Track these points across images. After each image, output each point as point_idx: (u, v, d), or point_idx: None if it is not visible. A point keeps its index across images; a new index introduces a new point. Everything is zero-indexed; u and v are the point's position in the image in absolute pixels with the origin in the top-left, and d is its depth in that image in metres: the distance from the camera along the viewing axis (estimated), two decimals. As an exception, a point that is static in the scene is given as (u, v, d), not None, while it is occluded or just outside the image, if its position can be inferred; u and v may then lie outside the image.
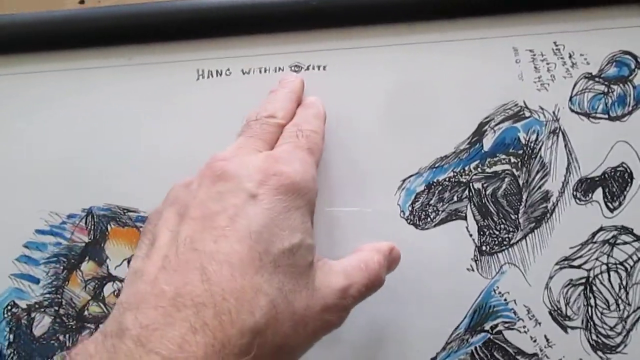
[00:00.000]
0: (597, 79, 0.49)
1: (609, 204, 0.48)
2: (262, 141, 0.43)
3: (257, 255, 0.34)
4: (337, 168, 0.49)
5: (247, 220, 0.35)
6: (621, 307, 0.48)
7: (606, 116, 0.49)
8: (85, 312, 0.49)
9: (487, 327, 0.48)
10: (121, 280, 0.49)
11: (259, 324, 0.33)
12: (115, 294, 0.49)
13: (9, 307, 0.49)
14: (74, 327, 0.49)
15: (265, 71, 0.50)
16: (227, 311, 0.32)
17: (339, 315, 0.39)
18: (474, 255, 0.48)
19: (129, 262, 0.49)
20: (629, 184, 0.49)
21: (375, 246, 0.44)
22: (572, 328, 0.48)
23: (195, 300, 0.32)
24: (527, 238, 0.48)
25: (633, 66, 0.49)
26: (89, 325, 0.49)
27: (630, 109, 0.49)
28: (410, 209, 0.49)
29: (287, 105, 0.46)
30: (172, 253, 0.34)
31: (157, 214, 0.40)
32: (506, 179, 0.49)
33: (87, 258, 0.49)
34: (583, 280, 0.48)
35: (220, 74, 0.50)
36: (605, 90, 0.49)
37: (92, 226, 0.50)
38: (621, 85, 0.49)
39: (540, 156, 0.49)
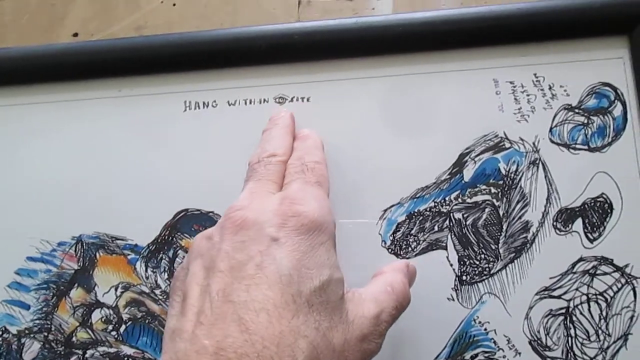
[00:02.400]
0: (576, 110, 0.50)
1: (589, 235, 0.49)
2: (271, 182, 0.44)
3: (290, 298, 0.34)
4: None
5: (275, 265, 0.35)
6: (601, 337, 0.48)
7: (586, 147, 0.50)
8: (74, 338, 0.50)
9: (467, 356, 0.48)
10: (109, 307, 0.50)
11: None
12: (103, 320, 0.50)
13: (0, 333, 0.51)
14: (62, 352, 0.50)
15: (250, 102, 0.52)
16: (270, 358, 0.32)
17: (376, 342, 0.39)
18: (455, 285, 0.49)
19: (116, 289, 0.50)
20: (609, 215, 0.49)
21: (394, 266, 0.45)
22: (552, 358, 0.48)
23: (238, 352, 0.32)
24: (507, 268, 0.49)
25: (612, 98, 0.50)
26: (76, 351, 0.50)
27: (610, 140, 0.50)
28: (391, 238, 0.49)
29: (285, 141, 0.47)
30: (206, 307, 0.35)
31: (183, 271, 0.40)
32: (486, 209, 0.49)
33: (76, 285, 0.51)
34: (563, 311, 0.48)
35: (207, 106, 0.52)
36: (585, 121, 0.50)
37: (82, 254, 0.51)
38: (601, 116, 0.50)
39: (521, 187, 0.49)
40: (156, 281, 0.50)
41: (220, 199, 0.50)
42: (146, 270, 0.50)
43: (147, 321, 0.50)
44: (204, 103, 0.52)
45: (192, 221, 0.51)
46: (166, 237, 0.50)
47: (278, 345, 0.33)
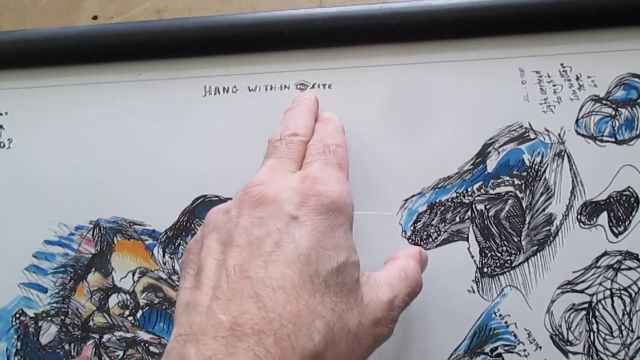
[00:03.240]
0: (604, 102, 0.49)
1: (613, 229, 0.48)
2: (291, 161, 0.43)
3: (308, 277, 0.34)
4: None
5: (294, 244, 0.35)
6: (624, 333, 0.47)
7: (613, 139, 0.49)
8: (90, 322, 0.50)
9: (487, 349, 0.48)
10: (126, 292, 0.50)
11: (319, 348, 0.33)
12: (120, 305, 0.50)
13: (18, 315, 0.51)
14: (79, 336, 0.50)
15: (271, 89, 0.51)
16: (287, 337, 0.32)
17: (388, 327, 0.39)
18: (475, 277, 0.48)
19: (133, 274, 0.50)
20: (635, 209, 0.48)
21: (407, 252, 0.44)
22: (574, 353, 0.47)
23: (254, 329, 0.32)
24: (530, 261, 0.48)
25: (641, 89, 0.49)
26: (93, 335, 0.50)
27: (638, 132, 0.49)
28: (412, 228, 0.49)
29: (308, 121, 0.47)
30: (223, 282, 0.34)
31: (196, 243, 0.40)
32: (509, 201, 0.49)
33: (93, 269, 0.51)
34: (586, 305, 0.48)
35: (227, 91, 0.51)
36: (613, 113, 0.49)
37: (99, 238, 0.51)
38: (629, 108, 0.49)
39: (545, 179, 0.49)
40: (173, 267, 0.50)
41: (239, 186, 0.49)
42: (164, 256, 0.50)
43: (164, 307, 0.50)
44: (224, 88, 0.51)
45: (210, 207, 0.50)
46: (184, 223, 0.50)
47: (295, 324, 0.32)
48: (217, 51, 0.51)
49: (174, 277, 0.50)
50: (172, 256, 0.50)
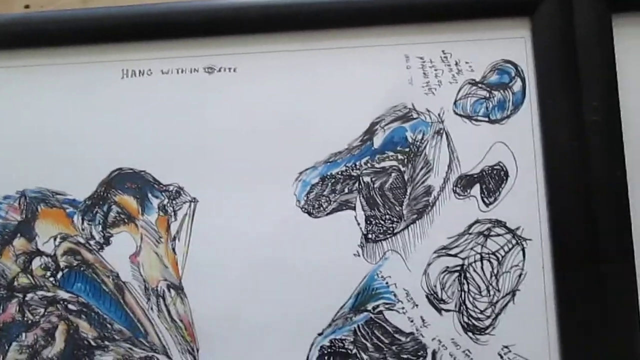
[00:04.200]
0: (480, 85, 0.54)
1: (485, 199, 0.53)
2: None
3: None
4: (241, 160, 0.54)
5: None
6: (491, 292, 0.52)
7: (487, 119, 0.54)
8: (15, 283, 0.55)
9: (369, 307, 0.53)
10: (48, 255, 0.55)
11: None
12: (42, 267, 0.55)
13: (-50, 276, 0.56)
14: (4, 295, 0.55)
15: (182, 72, 0.56)
16: None
17: None
18: (361, 242, 0.53)
19: (55, 239, 0.55)
20: (504, 181, 0.53)
21: None
22: (447, 311, 0.53)
23: None
24: (410, 228, 0.53)
25: (513, 74, 0.54)
26: (17, 294, 0.55)
27: (509, 113, 0.54)
28: (305, 198, 0.54)
29: None
30: None
31: None
32: (393, 174, 0.54)
33: (18, 235, 0.55)
34: (458, 268, 0.53)
35: (143, 74, 0.56)
36: (487, 95, 0.54)
37: (25, 206, 0.56)
38: (501, 91, 0.54)
39: (425, 154, 0.54)
40: (91, 233, 0.55)
41: (151, 159, 0.55)
42: (82, 223, 0.55)
43: (82, 269, 0.55)
44: (140, 71, 0.56)
45: (125, 179, 0.55)
46: (101, 193, 0.55)
47: None
48: (134, 37, 0.56)
49: (91, 242, 0.55)
50: (90, 223, 0.55)
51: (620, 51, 0.53)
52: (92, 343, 0.54)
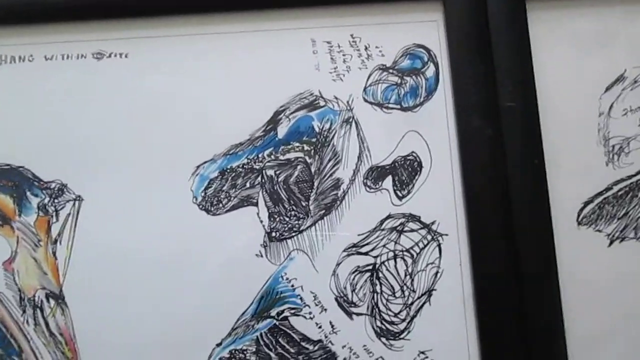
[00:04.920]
0: (391, 71, 0.51)
1: (398, 192, 0.49)
2: None
3: None
4: (132, 154, 0.49)
5: None
6: (406, 293, 0.48)
7: (398, 106, 0.50)
8: None
9: (273, 313, 0.48)
10: None
11: None
12: None
13: None
14: None
15: (67, 57, 0.51)
16: None
17: None
18: (264, 242, 0.49)
19: None
20: (418, 173, 0.49)
21: None
22: (358, 314, 0.48)
23: None
24: (317, 225, 0.49)
25: (426, 59, 0.51)
26: None
27: (422, 100, 0.50)
28: (202, 194, 0.49)
29: None
30: None
31: None
32: (299, 167, 0.49)
33: None
34: (370, 267, 0.48)
35: (23, 60, 0.51)
36: (399, 81, 0.50)
37: None
38: (414, 77, 0.51)
39: (333, 144, 0.50)
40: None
41: (31, 154, 0.49)
42: (-51, 226, 0.49)
43: (-53, 278, 0.48)
44: (20, 57, 0.51)
45: (1, 176, 0.49)
46: (-28, 192, 0.49)
47: None
48: (10, 21, 0.51)
49: (-41, 248, 0.48)
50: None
51: (535, 36, 0.51)
52: (-43, 364, 0.47)
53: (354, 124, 0.50)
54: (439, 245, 0.49)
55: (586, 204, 0.50)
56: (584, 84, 0.51)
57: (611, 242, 0.49)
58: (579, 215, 0.49)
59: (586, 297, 0.48)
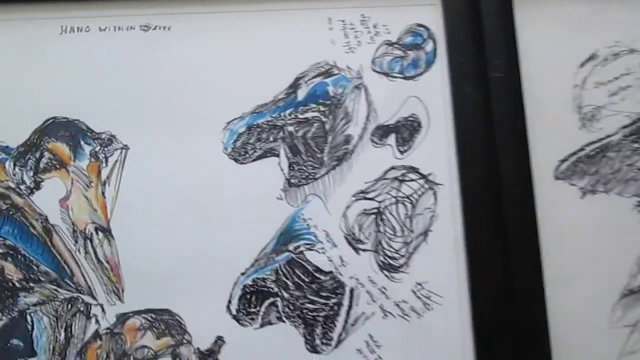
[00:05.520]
0: (395, 46, 0.59)
1: (400, 147, 0.57)
2: None
3: None
4: (172, 111, 0.57)
5: None
6: (406, 233, 0.56)
7: (402, 76, 0.58)
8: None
9: (290, 247, 0.55)
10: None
11: None
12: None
13: None
14: None
15: (119, 29, 0.59)
16: None
17: None
18: (284, 187, 0.56)
19: (-15, 184, 0.56)
20: (418, 132, 0.57)
21: None
22: (364, 250, 0.55)
23: None
24: (330, 174, 0.57)
25: (425, 36, 0.59)
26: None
27: (422, 70, 0.59)
28: (232, 146, 0.57)
29: None
30: None
31: None
32: (315, 124, 0.57)
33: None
34: (375, 211, 0.56)
35: (81, 30, 0.59)
36: (402, 55, 0.59)
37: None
38: (415, 51, 0.59)
39: (345, 106, 0.58)
40: (22, 178, 0.56)
41: (86, 110, 0.57)
42: (14, 168, 0.56)
43: (10, 212, 0.56)
44: (78, 28, 0.59)
45: (59, 127, 0.57)
46: (35, 140, 0.57)
47: None
48: (72, -3, 0.59)
49: (22, 187, 0.56)
50: (21, 168, 0.56)
51: (521, 17, 0.59)
52: (17, 285, 0.54)
53: (363, 89, 0.58)
54: (434, 193, 0.56)
55: (562, 161, 0.57)
56: (562, 60, 0.59)
57: (584, 194, 0.57)
58: (556, 171, 0.57)
59: (562, 241, 0.56)
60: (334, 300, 0.55)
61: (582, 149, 0.58)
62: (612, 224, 0.57)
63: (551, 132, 0.58)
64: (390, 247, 0.56)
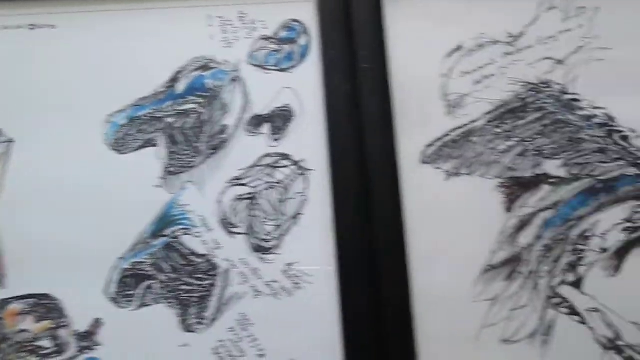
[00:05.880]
0: (271, 40, 0.62)
1: (274, 136, 0.60)
2: None
3: None
4: (56, 105, 0.60)
5: None
6: (278, 216, 0.59)
7: (277, 68, 0.62)
8: None
9: (167, 232, 0.58)
10: None
11: None
12: None
13: None
14: None
15: (6, 28, 0.62)
16: None
17: None
18: (163, 175, 0.59)
19: None
20: (291, 121, 0.60)
21: None
22: (238, 234, 0.58)
23: None
24: (206, 162, 0.59)
25: (300, 31, 0.62)
26: None
27: (296, 63, 0.62)
28: (114, 138, 0.60)
29: None
30: None
31: None
32: (193, 116, 0.60)
33: None
34: (249, 196, 0.59)
35: (-31, 30, 0.62)
36: (278, 48, 0.62)
37: None
38: (290, 45, 0.62)
39: (222, 98, 0.61)
40: None
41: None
42: None
43: None
44: (-34, 28, 0.62)
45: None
46: None
47: None
48: (-37, -2, 0.62)
49: None
50: None
51: (390, 11, 0.62)
52: None
53: (239, 82, 0.61)
54: (306, 179, 0.59)
55: (429, 146, 0.61)
56: (430, 51, 0.62)
57: (449, 177, 0.60)
58: (422, 155, 0.60)
59: (427, 221, 0.59)
60: (208, 282, 0.57)
61: (447, 134, 0.61)
62: (475, 204, 0.60)
63: (418, 119, 0.61)
64: (263, 230, 0.58)
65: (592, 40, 0.63)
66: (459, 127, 0.61)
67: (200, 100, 0.61)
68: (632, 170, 0.61)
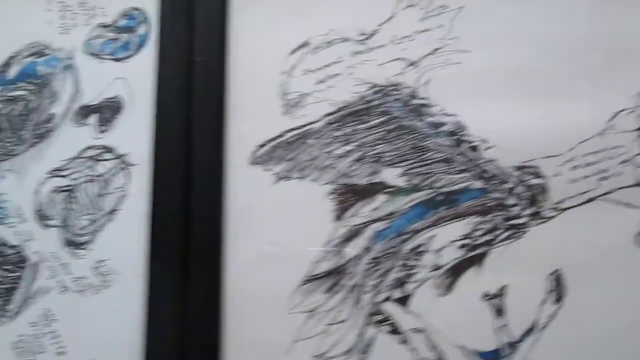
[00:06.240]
0: (110, 28, 0.60)
1: (100, 127, 0.58)
2: None
3: None
4: None
5: None
6: (94, 211, 0.57)
7: (113, 57, 0.59)
8: None
9: (-18, 221, 0.57)
10: None
11: None
12: None
13: None
14: None
15: None
16: None
17: None
18: (-15, 162, 0.58)
19: None
20: (119, 112, 0.58)
21: None
22: (52, 226, 0.57)
23: None
24: (29, 151, 0.58)
25: (140, 19, 0.60)
26: None
27: (132, 53, 0.59)
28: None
29: None
30: None
31: None
32: (21, 103, 0.59)
33: None
34: (68, 188, 0.57)
35: None
36: (115, 37, 0.60)
37: None
38: (128, 33, 0.60)
39: (52, 86, 0.59)
40: None
41: None
42: None
43: None
44: None
45: None
46: None
47: None
48: None
49: None
50: None
51: (235, 3, 0.59)
52: None
53: (73, 70, 0.59)
54: (128, 173, 0.57)
55: (260, 146, 0.58)
56: (273, 47, 0.59)
57: (278, 180, 0.57)
58: (252, 156, 0.58)
59: (249, 225, 0.56)
60: (16, 274, 0.56)
61: (281, 135, 0.58)
62: (303, 210, 0.57)
63: (253, 118, 0.58)
64: (77, 224, 0.57)
65: (450, 42, 0.59)
66: (296, 128, 0.58)
67: (31, 87, 0.59)
68: (478, 184, 0.57)
